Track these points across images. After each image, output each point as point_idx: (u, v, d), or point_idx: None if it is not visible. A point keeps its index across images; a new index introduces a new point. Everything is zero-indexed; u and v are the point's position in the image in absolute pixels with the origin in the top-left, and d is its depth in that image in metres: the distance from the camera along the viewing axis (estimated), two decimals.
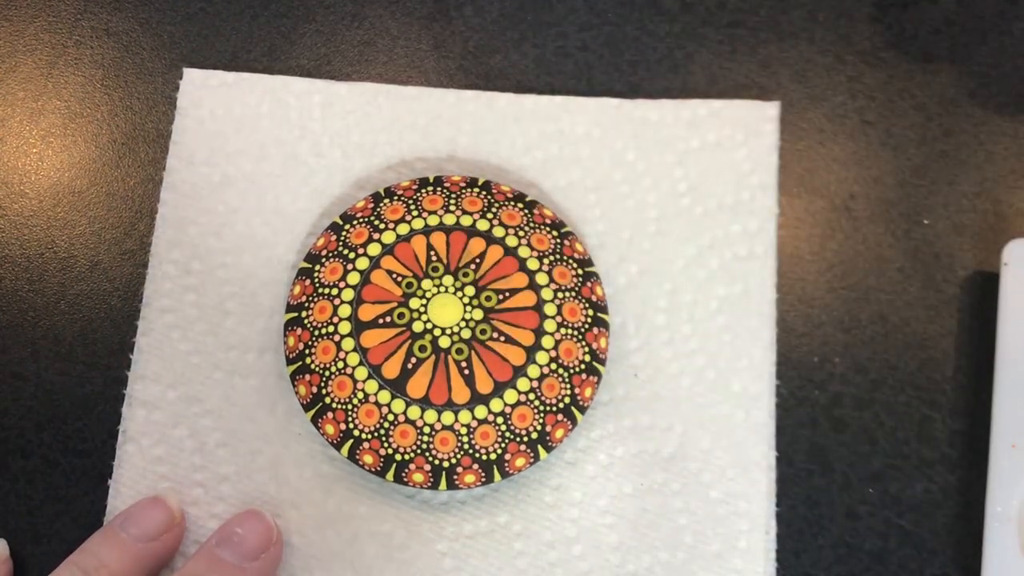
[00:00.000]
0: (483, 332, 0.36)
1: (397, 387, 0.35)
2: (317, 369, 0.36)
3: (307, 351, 0.36)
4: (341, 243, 0.37)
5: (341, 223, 0.38)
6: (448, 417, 0.35)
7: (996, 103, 0.41)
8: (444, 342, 0.35)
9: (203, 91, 0.41)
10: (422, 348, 0.35)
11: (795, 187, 0.40)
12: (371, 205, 0.38)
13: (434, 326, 0.36)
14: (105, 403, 0.38)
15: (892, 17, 0.42)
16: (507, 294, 0.36)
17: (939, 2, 0.42)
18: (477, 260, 0.36)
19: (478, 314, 0.36)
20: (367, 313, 0.36)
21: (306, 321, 0.36)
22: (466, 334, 0.35)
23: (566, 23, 0.42)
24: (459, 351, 0.35)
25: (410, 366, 0.35)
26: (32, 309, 0.39)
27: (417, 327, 0.36)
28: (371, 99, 0.41)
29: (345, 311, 0.36)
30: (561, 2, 0.43)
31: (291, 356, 0.36)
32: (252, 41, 0.42)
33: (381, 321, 0.36)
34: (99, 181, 0.41)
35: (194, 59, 0.42)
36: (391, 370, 0.35)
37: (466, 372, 0.35)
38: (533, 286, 0.36)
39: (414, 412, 0.35)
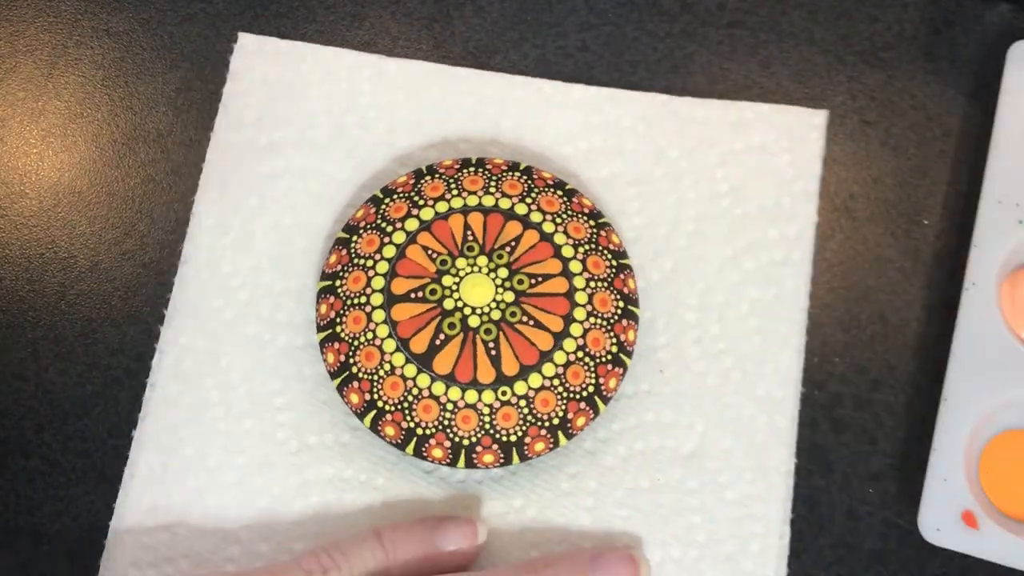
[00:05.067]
0: (513, 315, 0.36)
1: (424, 362, 0.35)
2: (346, 338, 0.36)
3: (338, 319, 0.36)
4: (380, 216, 0.37)
5: (381, 196, 0.38)
6: (472, 395, 0.35)
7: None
8: (473, 321, 0.36)
9: (256, 56, 0.42)
10: (451, 325, 0.36)
11: None
12: (412, 181, 0.38)
13: (465, 304, 0.36)
14: (105, 403, 0.38)
15: (892, 17, 0.42)
16: (539, 279, 0.36)
17: (939, 2, 0.42)
18: (512, 243, 0.37)
19: (509, 296, 0.36)
20: (400, 287, 0.36)
21: (339, 290, 0.37)
22: (496, 315, 0.36)
23: (566, 23, 0.42)
24: (487, 331, 0.35)
25: (438, 342, 0.35)
26: (32, 309, 0.40)
27: (448, 304, 0.36)
28: (421, 77, 0.41)
29: (379, 283, 0.36)
30: (561, 2, 0.43)
31: (322, 323, 0.37)
32: None
33: (413, 296, 0.36)
34: (99, 181, 0.41)
35: (195, 59, 0.42)
36: (419, 344, 0.35)
37: (493, 352, 0.35)
38: (566, 273, 0.36)
39: (438, 388, 0.35)
